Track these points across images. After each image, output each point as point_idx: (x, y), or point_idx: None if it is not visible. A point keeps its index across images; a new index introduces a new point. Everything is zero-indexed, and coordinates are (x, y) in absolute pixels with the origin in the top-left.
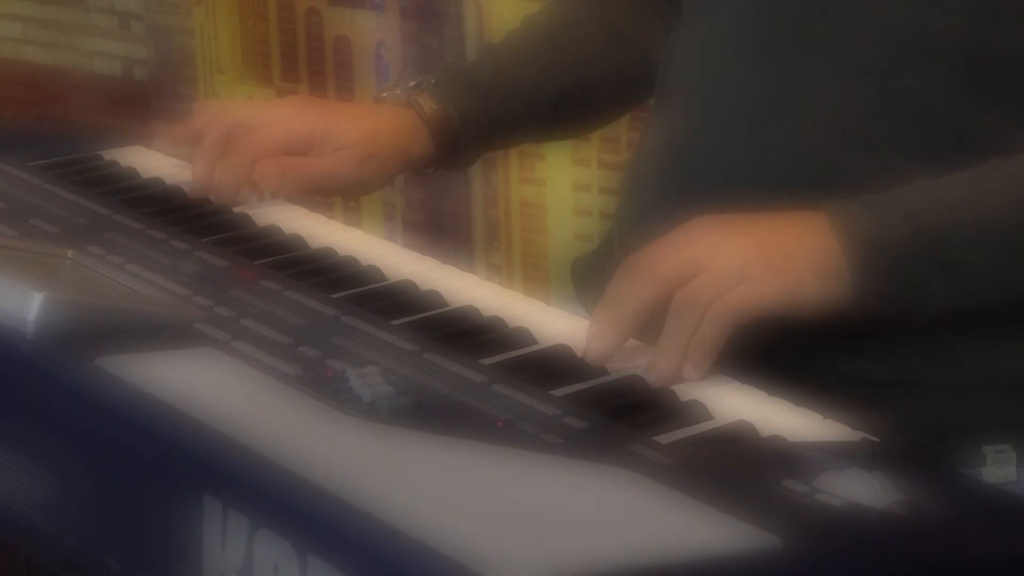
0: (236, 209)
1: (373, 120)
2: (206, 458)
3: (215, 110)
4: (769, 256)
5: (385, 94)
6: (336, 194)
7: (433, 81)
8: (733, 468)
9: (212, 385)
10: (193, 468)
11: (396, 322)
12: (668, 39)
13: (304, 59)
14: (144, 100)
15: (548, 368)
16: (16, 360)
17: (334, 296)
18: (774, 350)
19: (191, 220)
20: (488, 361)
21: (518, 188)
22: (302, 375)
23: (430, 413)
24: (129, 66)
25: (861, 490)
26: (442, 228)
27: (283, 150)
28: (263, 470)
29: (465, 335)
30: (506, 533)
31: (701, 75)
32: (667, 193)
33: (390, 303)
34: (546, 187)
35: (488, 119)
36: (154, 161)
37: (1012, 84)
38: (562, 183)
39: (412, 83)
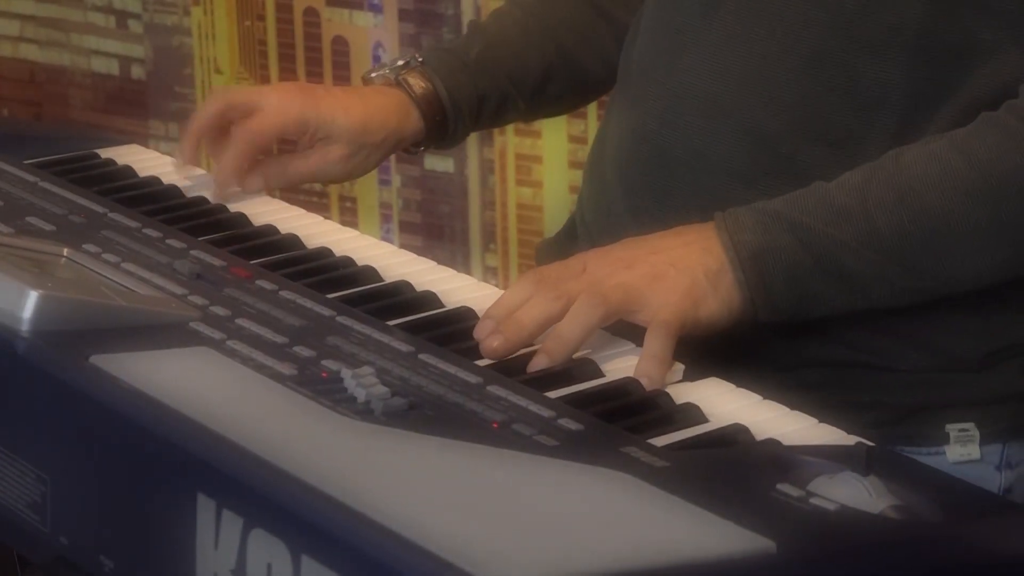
0: (232, 208)
1: (364, 107)
2: (200, 457)
3: (213, 94)
4: (668, 274)
5: (374, 75)
6: (330, 183)
7: (420, 60)
8: (727, 471)
9: (207, 384)
10: (187, 467)
11: (392, 323)
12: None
13: (302, 59)
14: (141, 99)
15: (543, 370)
16: (11, 358)
17: (330, 296)
18: (739, 334)
19: (187, 219)
20: (483, 363)
21: (515, 190)
22: (297, 375)
23: (425, 414)
24: (127, 65)
25: (855, 494)
26: (439, 230)
27: (279, 135)
28: (257, 470)
29: (461, 336)
30: (500, 535)
31: (662, 60)
32: (628, 177)
33: (386, 304)
34: (543, 189)
35: (476, 95)
36: (150, 160)
37: (965, 76)
38: (559, 185)
39: (400, 63)
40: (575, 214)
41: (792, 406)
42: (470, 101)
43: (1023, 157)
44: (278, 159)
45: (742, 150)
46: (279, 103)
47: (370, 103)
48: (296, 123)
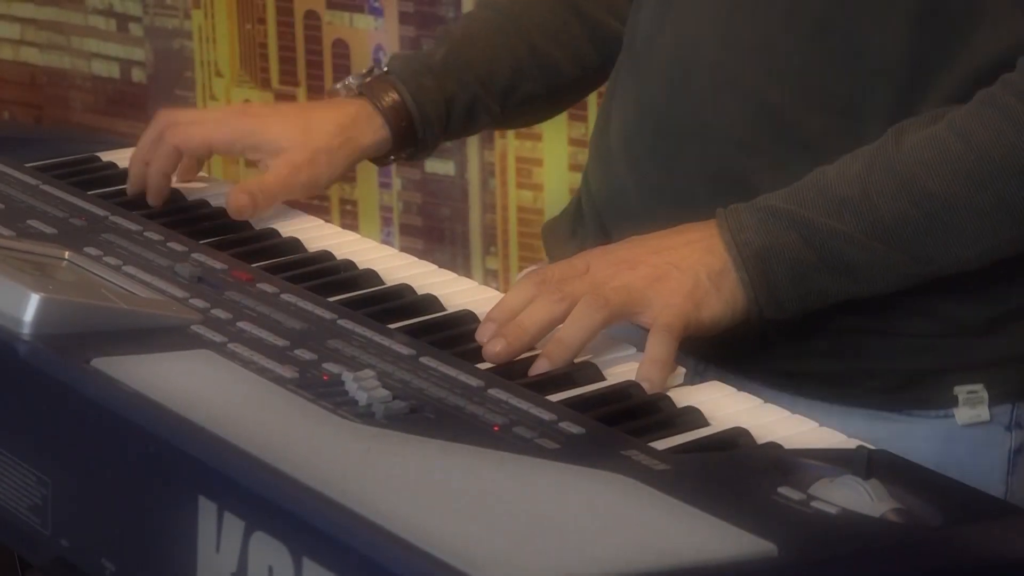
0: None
1: (305, 116)
2: (201, 460)
3: (156, 116)
4: (670, 275)
5: (338, 86)
6: (303, 195)
7: (385, 69)
8: (728, 475)
9: (208, 387)
10: (188, 470)
11: (393, 326)
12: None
13: (302, 62)
14: (142, 102)
15: (544, 373)
16: (12, 361)
17: (331, 299)
18: None
19: (188, 222)
20: (485, 366)
21: (515, 193)
22: (298, 378)
23: (426, 417)
24: (127, 68)
25: (856, 498)
26: (439, 233)
27: (206, 147)
28: (258, 473)
29: (462, 339)
30: (501, 538)
31: (665, 33)
32: (633, 148)
33: (387, 307)
34: (544, 192)
35: (443, 98)
36: None
37: (968, 42)
38: (559, 188)
39: (364, 72)
40: (580, 189)
41: (799, 379)
42: (437, 105)
43: (1021, 137)
44: (254, 181)
45: (746, 120)
46: (215, 120)
47: (313, 111)
48: (224, 140)
